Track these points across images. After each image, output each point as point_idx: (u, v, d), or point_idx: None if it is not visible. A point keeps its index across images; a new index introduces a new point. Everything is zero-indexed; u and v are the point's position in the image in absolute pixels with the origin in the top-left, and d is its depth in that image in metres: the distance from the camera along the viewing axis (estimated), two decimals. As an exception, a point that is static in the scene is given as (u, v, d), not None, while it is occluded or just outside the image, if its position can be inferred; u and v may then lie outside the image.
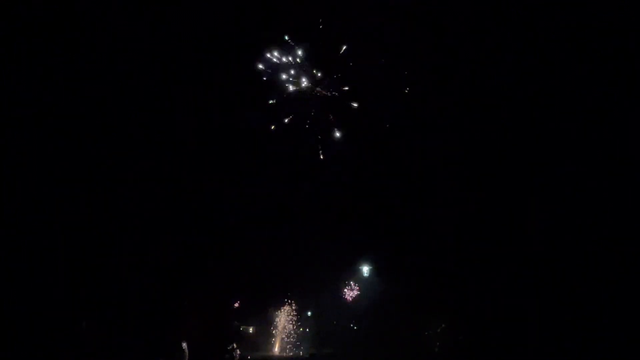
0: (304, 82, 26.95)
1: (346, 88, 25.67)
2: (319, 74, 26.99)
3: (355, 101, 30.04)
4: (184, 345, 15.70)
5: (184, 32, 25.84)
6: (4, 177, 16.82)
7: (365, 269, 19.51)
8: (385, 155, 33.06)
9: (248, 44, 25.81)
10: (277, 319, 48.01)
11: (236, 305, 48.80)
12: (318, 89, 26.80)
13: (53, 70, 20.02)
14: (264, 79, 24.83)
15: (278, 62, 24.83)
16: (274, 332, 47.74)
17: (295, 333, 47.39)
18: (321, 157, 30.39)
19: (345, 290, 42.89)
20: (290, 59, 24.90)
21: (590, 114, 14.24)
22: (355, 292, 41.25)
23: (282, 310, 48.20)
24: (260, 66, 25.76)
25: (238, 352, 25.53)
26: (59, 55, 20.31)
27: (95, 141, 21.46)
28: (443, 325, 19.84)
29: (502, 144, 18.13)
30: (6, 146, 17.19)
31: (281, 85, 26.99)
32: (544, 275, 13.59)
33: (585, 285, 11.90)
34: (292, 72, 27.00)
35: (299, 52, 23.76)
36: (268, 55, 24.10)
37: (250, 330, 50.86)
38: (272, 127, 27.56)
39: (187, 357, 15.47)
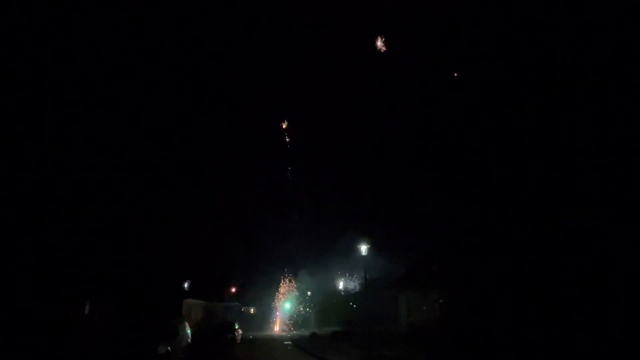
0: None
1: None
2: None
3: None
4: (186, 325, 15.97)
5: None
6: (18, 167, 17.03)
7: (364, 248, 19.64)
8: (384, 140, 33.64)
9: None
10: (278, 300, 48.81)
11: (234, 290, 49.59)
12: None
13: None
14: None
15: None
16: (275, 312, 48.56)
17: (296, 313, 48.22)
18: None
19: (342, 274, 43.66)
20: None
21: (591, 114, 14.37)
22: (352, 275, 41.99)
23: (283, 291, 48.99)
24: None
25: (240, 332, 25.94)
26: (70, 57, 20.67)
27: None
28: (441, 301, 20.18)
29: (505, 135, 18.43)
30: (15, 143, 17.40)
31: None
32: (543, 253, 13.82)
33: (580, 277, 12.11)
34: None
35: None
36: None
37: (252, 310, 51.78)
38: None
39: (189, 338, 15.75)
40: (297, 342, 25.48)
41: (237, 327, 25.62)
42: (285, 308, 46.70)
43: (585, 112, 14.24)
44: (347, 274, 45.26)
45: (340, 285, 44.79)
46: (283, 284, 49.29)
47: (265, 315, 49.27)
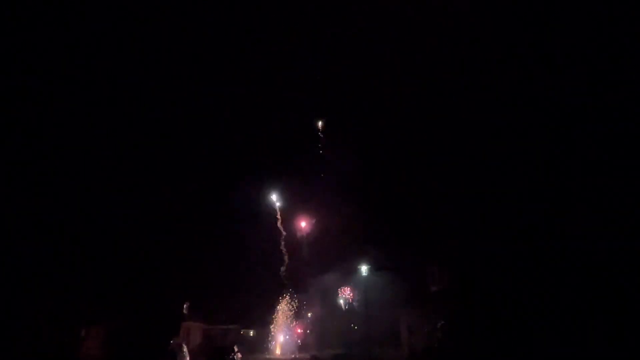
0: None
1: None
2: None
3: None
4: (184, 348, 15.75)
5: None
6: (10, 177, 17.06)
7: (364, 269, 19.52)
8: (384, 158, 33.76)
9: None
10: (277, 323, 48.05)
11: (234, 312, 48.86)
12: None
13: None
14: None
15: None
16: (274, 335, 47.73)
17: (296, 335, 47.42)
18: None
19: (343, 293, 43.06)
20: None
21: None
22: (353, 295, 41.41)
23: (282, 314, 48.26)
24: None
25: (239, 355, 25.45)
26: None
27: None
28: (442, 322, 19.89)
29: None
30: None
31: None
32: (545, 272, 13.68)
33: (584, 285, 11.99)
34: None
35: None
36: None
37: (251, 333, 50.82)
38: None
39: (187, 359, 15.53)
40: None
41: (236, 350, 25.17)
42: None
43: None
44: (347, 295, 44.68)
45: (341, 306, 44.20)
46: (281, 304, 48.60)
47: (265, 337, 48.43)
